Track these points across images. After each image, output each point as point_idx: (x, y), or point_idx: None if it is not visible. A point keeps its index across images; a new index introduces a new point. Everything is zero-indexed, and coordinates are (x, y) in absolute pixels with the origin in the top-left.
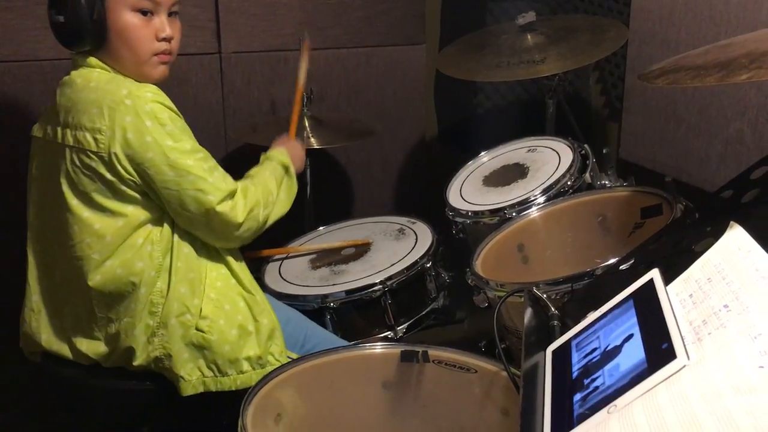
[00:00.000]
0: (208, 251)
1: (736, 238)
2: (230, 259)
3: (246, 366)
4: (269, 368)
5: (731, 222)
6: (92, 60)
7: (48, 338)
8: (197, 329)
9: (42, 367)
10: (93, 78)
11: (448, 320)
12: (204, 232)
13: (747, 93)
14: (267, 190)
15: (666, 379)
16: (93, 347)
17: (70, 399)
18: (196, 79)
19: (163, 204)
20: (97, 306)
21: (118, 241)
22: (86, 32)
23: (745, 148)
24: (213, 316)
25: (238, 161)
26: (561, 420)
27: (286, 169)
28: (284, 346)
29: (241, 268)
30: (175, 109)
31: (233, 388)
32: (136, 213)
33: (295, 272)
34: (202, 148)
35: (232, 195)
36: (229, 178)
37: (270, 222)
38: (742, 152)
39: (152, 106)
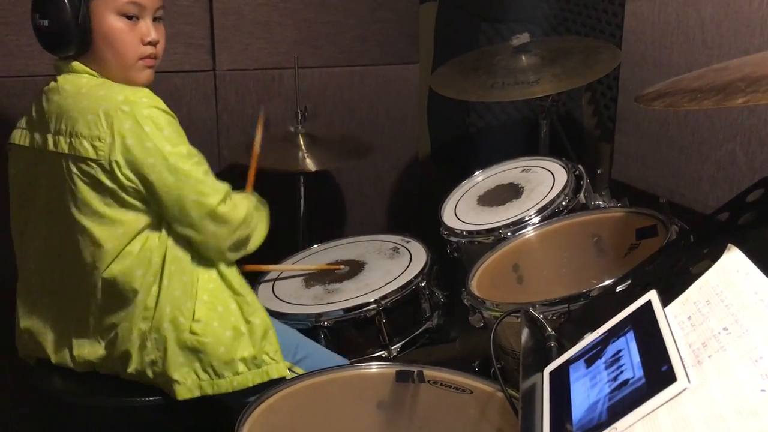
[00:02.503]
0: (200, 255)
1: (734, 260)
2: (220, 262)
3: (242, 367)
4: (265, 368)
5: (729, 244)
6: (77, 65)
7: (44, 342)
8: (191, 332)
9: (33, 377)
10: (83, 84)
11: (441, 339)
12: (202, 237)
13: (739, 115)
14: (250, 210)
15: (667, 401)
16: (93, 351)
17: (59, 415)
18: (190, 96)
19: (163, 210)
20: (97, 312)
21: (117, 249)
22: (71, 36)
23: (738, 170)
24: (206, 318)
25: (232, 179)
26: None
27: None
28: (278, 345)
29: (231, 270)
30: (170, 111)
31: (230, 390)
32: (134, 220)
33: (288, 290)
34: (196, 151)
35: (229, 195)
36: (223, 182)
37: (254, 244)
38: (734, 174)
39: (150, 111)
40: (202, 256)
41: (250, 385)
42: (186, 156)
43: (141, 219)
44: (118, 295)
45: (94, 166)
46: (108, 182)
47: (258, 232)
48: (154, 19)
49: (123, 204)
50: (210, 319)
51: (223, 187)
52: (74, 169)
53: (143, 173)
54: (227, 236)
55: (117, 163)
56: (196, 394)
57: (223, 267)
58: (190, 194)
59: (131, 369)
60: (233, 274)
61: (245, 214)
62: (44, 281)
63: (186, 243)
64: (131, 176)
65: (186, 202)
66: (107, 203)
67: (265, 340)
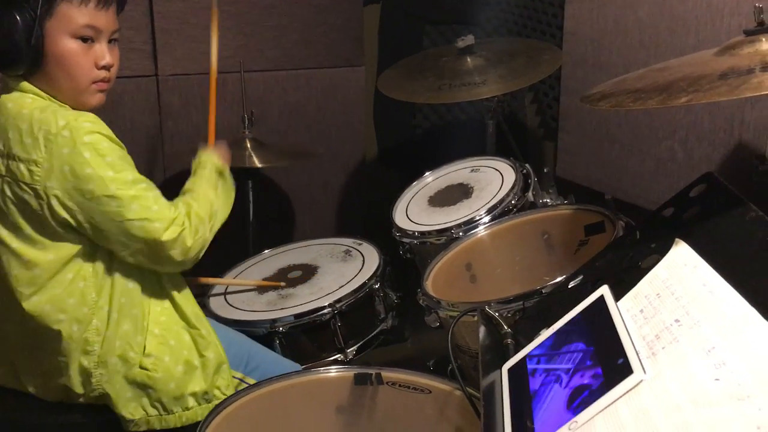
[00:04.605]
0: (152, 286)
1: (681, 254)
2: (174, 292)
3: (192, 402)
4: (215, 402)
5: (676, 239)
6: (25, 85)
7: None
8: (141, 367)
9: None
10: (26, 104)
11: (394, 340)
12: (152, 262)
13: (677, 113)
14: (208, 202)
15: (624, 394)
16: (32, 381)
17: None
18: (132, 102)
19: (104, 239)
20: (29, 340)
21: (48, 274)
22: (22, 57)
23: (677, 165)
24: (157, 353)
25: (177, 186)
26: None
27: (221, 173)
28: (231, 378)
29: (186, 301)
30: (116, 138)
31: (179, 425)
32: (66, 247)
33: (241, 297)
34: (144, 178)
35: (177, 221)
36: (172, 206)
37: (215, 231)
38: (673, 170)
39: (91, 137)
40: (154, 286)
41: (200, 419)
42: (130, 182)
43: (72, 247)
44: (45, 326)
45: (28, 190)
46: (38, 209)
47: (219, 217)
48: (110, 41)
49: (52, 231)
50: (161, 354)
51: (171, 213)
52: (8, 192)
53: (83, 200)
54: (182, 255)
55: (52, 189)
56: (143, 428)
57: (177, 297)
58: (134, 221)
59: (80, 401)
60: (188, 304)
61: (194, 236)
62: None
63: (136, 274)
64: (69, 204)
65: (130, 229)
66: (37, 229)
67: (217, 375)
